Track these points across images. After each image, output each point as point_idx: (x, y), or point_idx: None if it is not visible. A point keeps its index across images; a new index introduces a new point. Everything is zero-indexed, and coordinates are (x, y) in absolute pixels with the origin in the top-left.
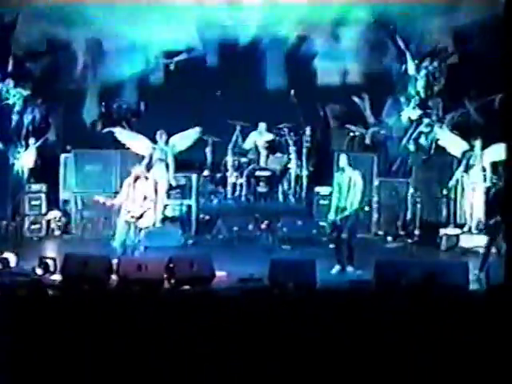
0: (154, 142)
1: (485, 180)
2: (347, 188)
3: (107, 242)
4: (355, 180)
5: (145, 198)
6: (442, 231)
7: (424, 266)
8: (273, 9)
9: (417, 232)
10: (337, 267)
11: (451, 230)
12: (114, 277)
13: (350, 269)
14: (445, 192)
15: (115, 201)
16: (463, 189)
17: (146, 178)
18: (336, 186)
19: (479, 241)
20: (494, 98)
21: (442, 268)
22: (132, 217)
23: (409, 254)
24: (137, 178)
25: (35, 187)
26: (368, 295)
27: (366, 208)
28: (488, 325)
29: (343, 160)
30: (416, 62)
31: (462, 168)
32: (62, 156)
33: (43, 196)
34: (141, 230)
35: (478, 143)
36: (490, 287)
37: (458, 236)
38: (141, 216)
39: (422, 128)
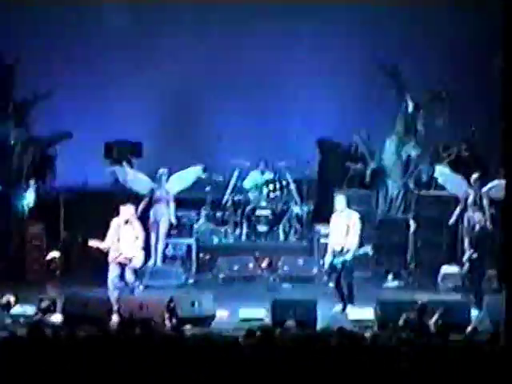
0: (155, 181)
1: (484, 219)
2: (346, 229)
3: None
4: (354, 221)
5: (136, 238)
6: (443, 270)
7: (424, 305)
8: None
9: (417, 271)
10: (338, 306)
11: (452, 269)
12: (115, 317)
13: (351, 308)
14: (445, 230)
15: (106, 243)
16: (463, 227)
17: (136, 219)
18: (333, 228)
19: None
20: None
21: (444, 307)
22: (125, 258)
23: (410, 292)
24: (127, 220)
25: (35, 227)
26: (370, 335)
27: (368, 250)
28: (491, 366)
29: (341, 201)
30: (416, 100)
31: (461, 206)
32: (62, 196)
33: (43, 236)
34: (136, 270)
35: (477, 182)
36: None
37: (458, 274)
38: (133, 256)
39: (422, 166)
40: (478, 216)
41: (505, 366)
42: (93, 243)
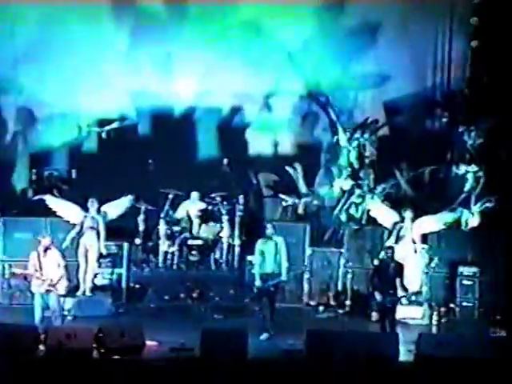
0: (86, 209)
1: (415, 251)
2: (274, 254)
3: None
4: (280, 246)
5: (58, 265)
6: (373, 302)
7: (355, 336)
8: (207, 79)
9: (348, 302)
10: (265, 334)
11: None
12: (41, 347)
13: (264, 336)
14: (375, 263)
15: (29, 270)
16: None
17: (55, 247)
18: (259, 253)
19: (409, 312)
20: (424, 170)
21: (373, 339)
22: (49, 285)
23: (340, 324)
24: (46, 248)
25: None
26: (300, 365)
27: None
28: None
29: (269, 228)
30: (348, 133)
31: (392, 239)
32: None
33: None
34: (60, 297)
35: (408, 215)
36: (420, 358)
37: None
38: (57, 283)
39: (354, 199)
40: (408, 249)
41: None
42: (17, 270)
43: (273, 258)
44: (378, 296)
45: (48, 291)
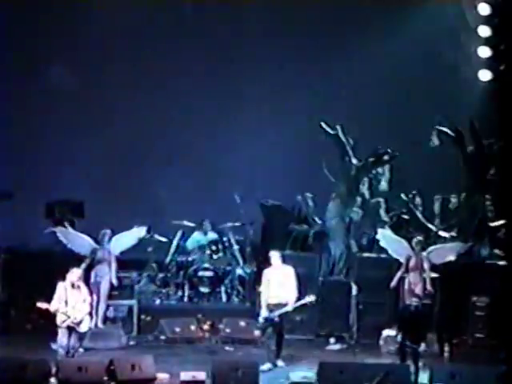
0: (97, 241)
1: (424, 283)
2: (281, 284)
3: (46, 345)
4: (289, 275)
5: (84, 301)
6: (385, 333)
7: (367, 368)
8: None
9: (359, 333)
10: (267, 365)
11: (393, 332)
12: (53, 380)
13: (280, 363)
14: (386, 293)
15: (53, 306)
16: (404, 290)
17: (82, 282)
18: (266, 283)
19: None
20: (434, 199)
21: (385, 370)
22: (73, 322)
23: (352, 355)
24: (74, 283)
25: None
26: None
27: (312, 299)
28: None
29: (276, 257)
30: (359, 163)
31: (402, 269)
32: (2, 257)
33: None
34: (81, 334)
35: (419, 244)
36: None
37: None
38: (80, 321)
39: (365, 229)
40: (418, 279)
41: None
42: (41, 305)
43: (279, 288)
44: (399, 338)
45: (71, 328)
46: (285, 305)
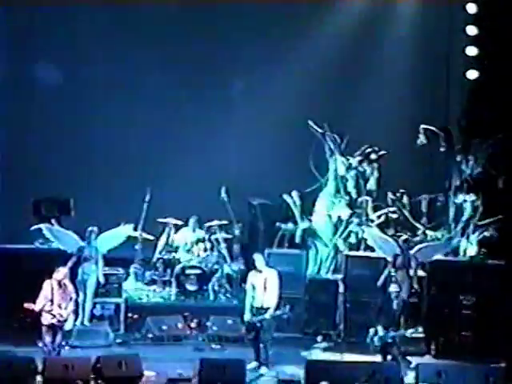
0: (83, 238)
1: (411, 281)
2: (263, 288)
3: (33, 343)
4: (271, 280)
5: (70, 299)
6: (372, 331)
7: (354, 366)
8: None
9: (347, 331)
10: (254, 363)
11: (380, 330)
12: (39, 378)
13: (264, 369)
14: (374, 291)
15: (39, 305)
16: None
17: (69, 281)
18: (250, 287)
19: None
20: (421, 198)
21: (373, 368)
22: (59, 321)
23: (339, 354)
24: (60, 281)
25: None
26: None
27: (286, 310)
28: None
29: (259, 260)
30: (346, 161)
31: (390, 267)
32: None
33: None
34: (67, 332)
35: (406, 243)
36: None
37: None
38: (66, 319)
39: (352, 227)
40: (405, 278)
41: None
42: (27, 305)
43: (262, 292)
44: (380, 331)
45: (56, 326)
46: (267, 309)
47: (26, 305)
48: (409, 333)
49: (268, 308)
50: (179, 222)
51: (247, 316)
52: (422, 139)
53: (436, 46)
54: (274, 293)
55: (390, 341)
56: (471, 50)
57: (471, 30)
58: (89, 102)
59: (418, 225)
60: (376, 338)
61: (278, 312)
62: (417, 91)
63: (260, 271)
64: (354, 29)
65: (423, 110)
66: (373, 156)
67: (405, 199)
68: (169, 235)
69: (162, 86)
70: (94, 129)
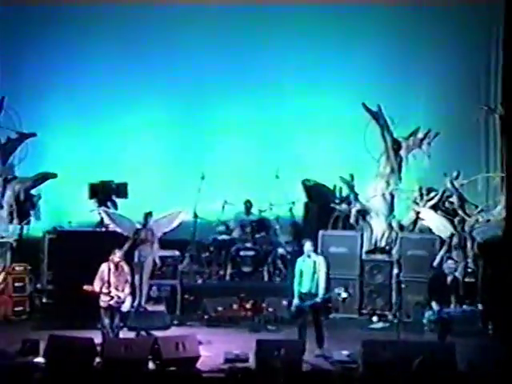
0: (139, 222)
1: (466, 261)
2: (312, 273)
3: (92, 325)
4: (319, 265)
5: (126, 281)
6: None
7: (410, 346)
8: None
9: (402, 311)
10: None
11: (435, 306)
12: (98, 359)
13: (317, 352)
14: (433, 272)
15: (97, 287)
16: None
17: (126, 263)
18: (298, 272)
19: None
20: (477, 178)
21: (429, 349)
22: (116, 302)
23: (395, 333)
24: (117, 264)
25: (18, 268)
26: (355, 376)
27: (341, 292)
28: None
29: (308, 246)
30: (400, 142)
31: (445, 247)
32: (47, 236)
33: (26, 277)
34: (124, 314)
35: (461, 224)
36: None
37: None
38: (124, 301)
39: (407, 207)
40: (459, 257)
41: None
42: (87, 287)
43: (310, 278)
44: (435, 306)
45: (113, 308)
46: (315, 295)
47: (85, 287)
48: (464, 310)
49: (316, 294)
50: (234, 204)
51: (296, 301)
52: (479, 118)
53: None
54: (322, 278)
55: (444, 316)
56: None
57: None
58: (145, 84)
59: (473, 204)
60: (429, 314)
61: (329, 295)
62: (471, 69)
63: (308, 256)
64: None
65: (478, 88)
66: (427, 135)
67: (460, 179)
68: (224, 217)
69: (212, 67)
70: (151, 116)
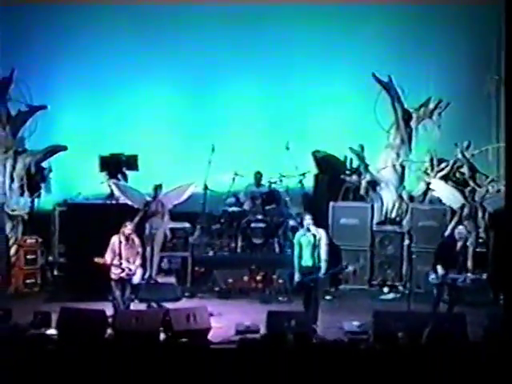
0: (150, 194)
1: (477, 231)
2: (312, 247)
3: (103, 296)
4: (319, 239)
5: (137, 253)
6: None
7: (421, 317)
8: None
9: (413, 282)
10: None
11: (440, 269)
12: (109, 330)
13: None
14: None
15: (108, 259)
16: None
17: (137, 235)
18: (298, 246)
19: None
20: (487, 148)
21: (440, 319)
22: (127, 274)
23: (405, 304)
24: (128, 236)
25: (30, 241)
26: (366, 347)
27: (350, 268)
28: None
29: (307, 220)
30: (410, 112)
31: (456, 218)
32: (57, 209)
33: (38, 250)
34: (135, 286)
35: (472, 194)
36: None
37: None
38: (134, 273)
39: (417, 178)
40: (471, 228)
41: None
42: (98, 260)
43: (310, 252)
44: (440, 270)
45: (125, 280)
46: (317, 269)
47: (96, 259)
48: (473, 279)
49: (318, 267)
50: (244, 176)
51: (297, 276)
52: (489, 88)
53: None
54: (324, 252)
55: (448, 281)
56: None
57: None
58: (156, 58)
59: (484, 175)
60: (432, 277)
61: (338, 269)
62: (481, 40)
63: (308, 229)
64: None
65: (489, 58)
66: (437, 106)
67: (471, 149)
68: (234, 189)
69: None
70: (159, 87)
